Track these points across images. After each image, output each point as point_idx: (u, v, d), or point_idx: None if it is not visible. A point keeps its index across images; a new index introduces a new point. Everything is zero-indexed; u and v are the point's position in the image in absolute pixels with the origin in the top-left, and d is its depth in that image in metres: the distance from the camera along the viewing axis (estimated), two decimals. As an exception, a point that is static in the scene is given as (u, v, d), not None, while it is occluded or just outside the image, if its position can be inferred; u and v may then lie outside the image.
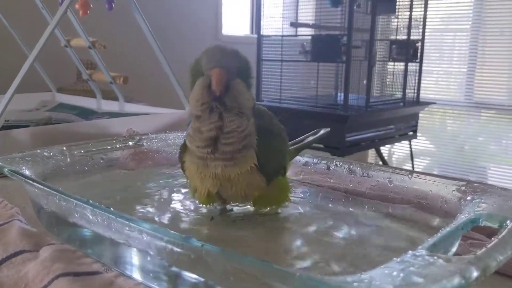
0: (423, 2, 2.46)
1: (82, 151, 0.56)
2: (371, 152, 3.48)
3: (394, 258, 0.28)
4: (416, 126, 2.58)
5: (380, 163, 2.78)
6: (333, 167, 0.53)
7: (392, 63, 2.51)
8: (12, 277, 0.39)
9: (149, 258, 0.35)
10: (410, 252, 0.29)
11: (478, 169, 3.36)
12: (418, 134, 2.63)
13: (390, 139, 2.50)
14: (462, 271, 0.25)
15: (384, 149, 3.39)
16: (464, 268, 0.25)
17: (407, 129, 2.54)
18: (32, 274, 0.38)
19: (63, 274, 0.37)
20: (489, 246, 0.29)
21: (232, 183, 0.42)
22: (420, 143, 3.33)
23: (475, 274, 0.25)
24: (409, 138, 2.62)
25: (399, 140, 2.64)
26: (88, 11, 0.83)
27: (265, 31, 2.43)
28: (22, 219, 0.48)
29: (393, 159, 3.61)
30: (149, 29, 0.88)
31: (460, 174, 3.35)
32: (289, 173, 0.51)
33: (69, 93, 1.28)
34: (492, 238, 0.31)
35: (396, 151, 3.59)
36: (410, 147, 2.76)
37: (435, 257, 0.27)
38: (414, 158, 2.88)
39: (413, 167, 2.84)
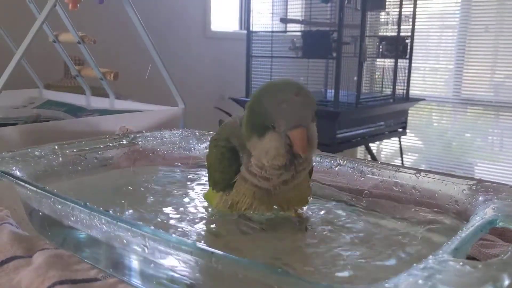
0: (412, -1, 2.46)
1: (75, 150, 0.54)
2: (360, 149, 3.48)
3: (415, 264, 0.27)
4: (405, 122, 2.58)
5: (369, 159, 2.78)
6: (336, 165, 0.52)
7: (381, 60, 2.51)
8: (4, 285, 0.36)
9: (152, 265, 0.33)
10: (431, 257, 0.27)
11: (465, 165, 3.38)
12: (407, 130, 2.63)
13: (380, 136, 2.50)
14: (493, 279, 0.24)
15: (373, 146, 3.39)
16: (495, 275, 0.24)
17: (396, 125, 2.54)
18: (26, 283, 0.36)
19: (59, 282, 0.35)
20: (514, 250, 0.28)
21: (289, 203, 0.43)
22: (408, 139, 3.33)
23: (507, 282, 0.24)
24: (399, 135, 2.63)
25: (388, 137, 2.64)
26: (78, 4, 0.80)
27: (254, 27, 2.40)
28: (12, 222, 0.45)
29: (381, 155, 3.62)
30: (141, 23, 0.86)
31: (447, 170, 3.37)
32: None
33: (57, 90, 1.25)
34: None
35: (385, 147, 3.59)
36: (400, 144, 2.76)
37: (461, 263, 0.26)
38: (403, 155, 2.88)
39: (402, 163, 2.85)
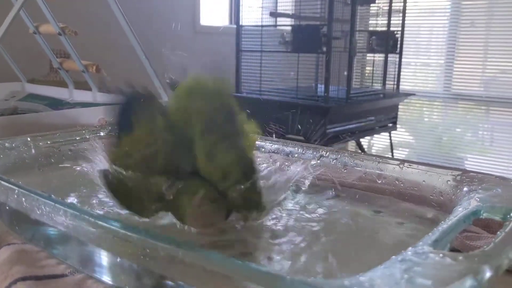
0: (402, -7, 2.45)
1: (49, 142, 0.52)
2: (351, 144, 3.48)
3: (394, 256, 0.25)
4: (396, 117, 2.58)
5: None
6: (319, 156, 0.50)
7: (371, 54, 2.50)
8: (-35, 282, 0.35)
9: (118, 259, 0.31)
10: (410, 248, 0.26)
11: (455, 159, 3.39)
12: (397, 125, 2.62)
13: (370, 131, 2.49)
14: (473, 271, 0.22)
15: (364, 141, 3.39)
16: (475, 267, 0.22)
17: (387, 120, 2.53)
18: (-12, 279, 0.34)
19: (22, 278, 0.33)
20: (497, 241, 0.26)
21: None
22: (398, 134, 3.34)
23: (488, 274, 0.22)
24: (389, 130, 2.62)
25: (379, 132, 2.64)
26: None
27: (244, 21, 2.38)
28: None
29: (372, 150, 3.62)
30: (123, 15, 0.83)
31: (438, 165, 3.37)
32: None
33: (42, 84, 1.22)
34: (498, 232, 0.28)
35: (375, 142, 3.59)
36: (390, 139, 2.76)
37: (441, 255, 0.24)
38: (393, 150, 2.88)
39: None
